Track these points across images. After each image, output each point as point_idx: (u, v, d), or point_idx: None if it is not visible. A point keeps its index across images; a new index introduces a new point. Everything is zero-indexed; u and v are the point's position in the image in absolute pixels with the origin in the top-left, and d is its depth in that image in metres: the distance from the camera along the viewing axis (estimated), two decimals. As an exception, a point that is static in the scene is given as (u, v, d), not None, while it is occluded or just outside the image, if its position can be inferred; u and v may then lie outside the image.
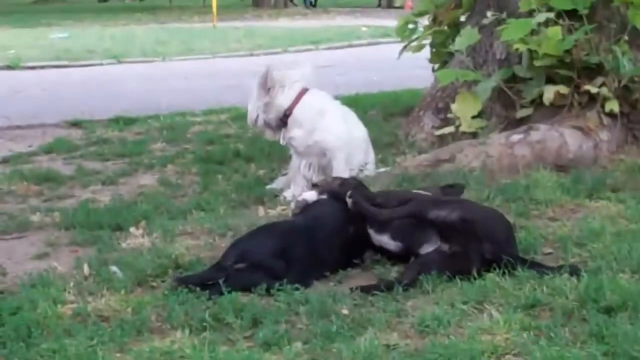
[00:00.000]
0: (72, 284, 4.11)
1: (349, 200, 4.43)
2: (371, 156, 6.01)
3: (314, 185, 4.94)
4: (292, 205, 5.06)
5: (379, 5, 36.75)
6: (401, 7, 28.26)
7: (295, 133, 5.69)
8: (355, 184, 4.68)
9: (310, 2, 37.67)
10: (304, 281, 4.00)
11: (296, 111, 5.66)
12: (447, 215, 4.15)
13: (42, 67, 15.26)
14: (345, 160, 5.63)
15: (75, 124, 8.93)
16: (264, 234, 4.29)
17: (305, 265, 4.09)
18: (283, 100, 5.65)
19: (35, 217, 5.42)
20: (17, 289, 4.11)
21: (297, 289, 3.91)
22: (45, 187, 6.25)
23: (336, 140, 5.70)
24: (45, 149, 7.65)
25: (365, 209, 4.35)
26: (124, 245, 4.80)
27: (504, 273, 3.98)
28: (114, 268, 4.31)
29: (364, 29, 22.07)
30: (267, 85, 5.64)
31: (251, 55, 16.66)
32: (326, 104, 5.80)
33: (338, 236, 4.32)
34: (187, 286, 3.94)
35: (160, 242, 4.77)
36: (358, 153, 5.80)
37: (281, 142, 5.80)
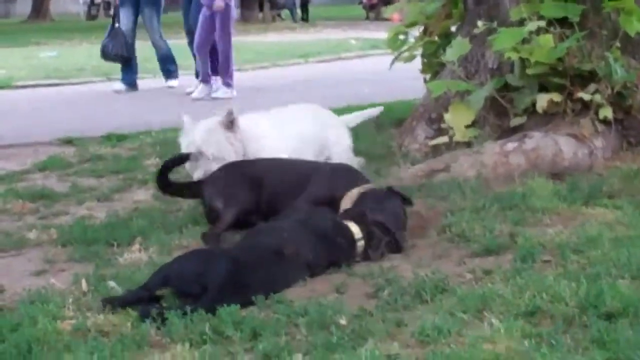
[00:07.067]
0: (70, 300, 4.09)
1: None
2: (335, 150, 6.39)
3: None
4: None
5: (367, 18, 36.87)
6: (389, 20, 28.28)
7: None
8: None
9: (302, 17, 37.71)
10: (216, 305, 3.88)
11: None
12: None
13: (33, 86, 15.25)
14: None
15: (68, 142, 8.90)
16: (187, 258, 4.30)
17: (223, 290, 4.02)
18: None
19: (32, 235, 5.40)
20: (16, 306, 4.09)
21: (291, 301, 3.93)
22: (41, 204, 6.22)
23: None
24: (39, 167, 7.63)
25: None
26: (121, 260, 4.79)
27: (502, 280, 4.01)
28: (112, 283, 4.31)
29: (352, 41, 22.12)
30: None
31: (239, 70, 16.64)
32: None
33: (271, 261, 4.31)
34: (113, 307, 3.96)
35: (157, 257, 4.77)
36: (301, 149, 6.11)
37: None
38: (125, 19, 13.60)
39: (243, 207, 5.32)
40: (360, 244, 4.62)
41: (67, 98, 13.70)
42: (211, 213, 5.37)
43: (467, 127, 6.47)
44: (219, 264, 4.13)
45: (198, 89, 12.72)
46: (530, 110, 6.30)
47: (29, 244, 5.25)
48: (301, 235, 4.52)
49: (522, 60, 6.28)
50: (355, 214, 4.82)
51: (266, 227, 4.79)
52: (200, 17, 12.37)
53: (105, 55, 13.76)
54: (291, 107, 6.61)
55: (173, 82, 13.97)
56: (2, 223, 5.79)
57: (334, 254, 4.54)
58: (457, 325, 3.62)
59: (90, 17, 45.88)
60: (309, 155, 6.12)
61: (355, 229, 4.65)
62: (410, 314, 3.83)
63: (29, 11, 44.90)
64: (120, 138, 8.92)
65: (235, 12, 13.29)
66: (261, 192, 5.39)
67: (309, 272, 4.39)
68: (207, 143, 5.74)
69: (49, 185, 6.78)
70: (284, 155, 5.89)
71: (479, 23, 6.56)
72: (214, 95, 12.52)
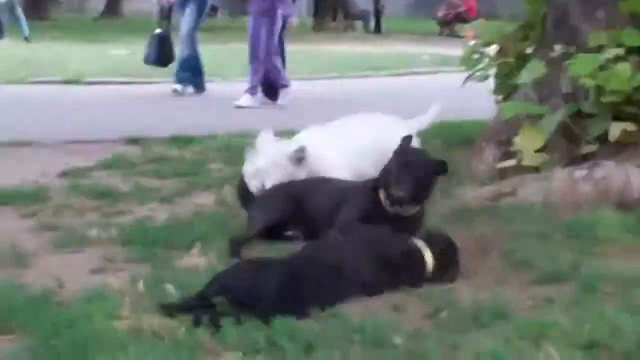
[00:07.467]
0: (127, 300, 4.08)
1: None
2: None
3: None
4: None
5: (440, 34, 36.75)
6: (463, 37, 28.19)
7: None
8: None
9: (375, 29, 37.53)
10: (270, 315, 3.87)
11: None
12: None
13: (103, 83, 15.37)
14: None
15: (134, 141, 8.93)
16: (243, 267, 4.32)
17: (277, 300, 4.00)
18: None
19: (93, 232, 5.42)
20: (74, 302, 4.10)
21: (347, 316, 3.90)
22: (103, 202, 6.25)
23: None
24: (104, 165, 7.67)
25: None
26: (179, 264, 4.78)
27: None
28: (169, 287, 4.30)
29: (425, 56, 22.04)
30: None
31: (309, 79, 16.64)
32: None
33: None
34: (170, 313, 3.94)
35: (216, 263, 4.75)
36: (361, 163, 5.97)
37: None
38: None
39: (273, 218, 5.35)
40: (429, 269, 4.56)
41: (136, 97, 13.79)
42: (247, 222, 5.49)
43: (537, 151, 6.36)
44: (273, 275, 4.11)
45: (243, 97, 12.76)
46: (603, 139, 6.18)
47: (89, 242, 5.27)
48: (364, 256, 4.46)
49: (598, 88, 6.16)
50: (430, 237, 4.74)
51: (328, 242, 4.76)
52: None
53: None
54: (352, 119, 6.48)
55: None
56: (63, 219, 5.81)
57: (397, 281, 4.47)
58: (513, 352, 3.56)
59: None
60: (371, 168, 6.03)
61: (428, 255, 4.59)
62: (467, 338, 3.77)
63: (102, 7, 45.22)
64: (186, 140, 8.93)
65: (294, 20, 13.21)
66: (301, 209, 5.38)
67: (366, 292, 4.33)
68: (271, 178, 5.67)
69: (112, 184, 6.81)
70: (344, 171, 5.83)
71: (556, 47, 6.47)
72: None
